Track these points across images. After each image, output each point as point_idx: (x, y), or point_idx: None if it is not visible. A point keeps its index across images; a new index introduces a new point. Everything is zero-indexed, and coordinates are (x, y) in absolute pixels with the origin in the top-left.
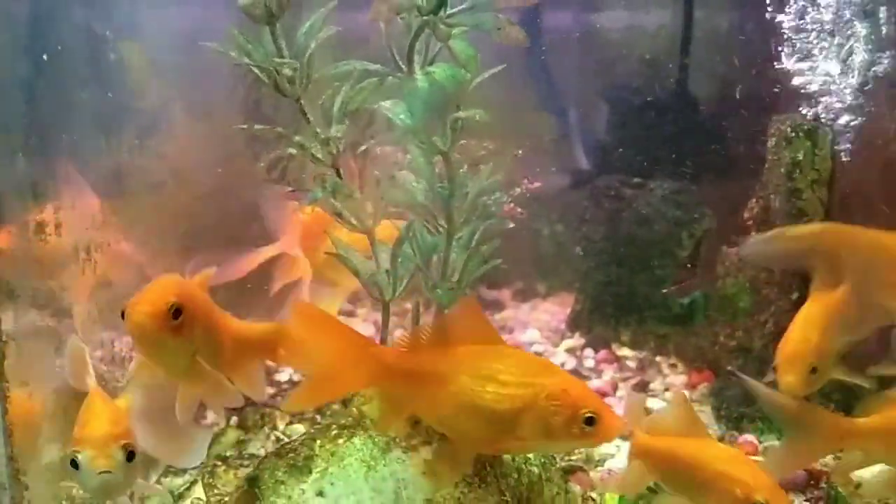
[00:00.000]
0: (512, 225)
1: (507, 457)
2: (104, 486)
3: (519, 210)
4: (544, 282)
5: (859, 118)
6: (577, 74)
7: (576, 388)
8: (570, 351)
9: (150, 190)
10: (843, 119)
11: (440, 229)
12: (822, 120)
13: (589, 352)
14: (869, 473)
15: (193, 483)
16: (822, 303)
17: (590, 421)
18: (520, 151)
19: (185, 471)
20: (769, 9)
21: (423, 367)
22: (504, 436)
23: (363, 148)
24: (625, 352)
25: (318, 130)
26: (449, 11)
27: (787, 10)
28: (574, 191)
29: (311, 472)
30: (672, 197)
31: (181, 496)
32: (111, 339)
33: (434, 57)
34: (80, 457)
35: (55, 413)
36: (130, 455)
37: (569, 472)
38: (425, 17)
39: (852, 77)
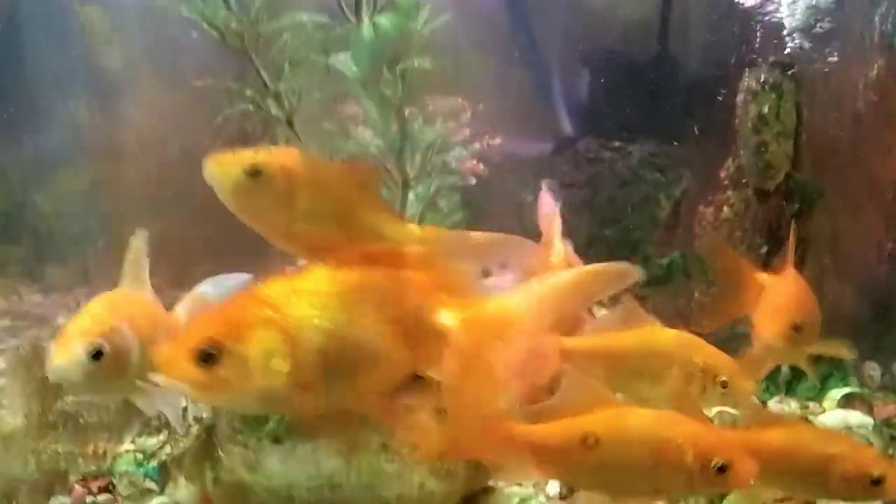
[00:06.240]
0: (473, 181)
1: None
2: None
3: (481, 166)
4: None
5: (827, 70)
6: (558, 37)
7: None
8: None
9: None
10: (810, 71)
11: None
12: (789, 72)
13: None
14: None
15: (166, 442)
16: None
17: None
18: (480, 106)
19: (159, 431)
20: None
21: None
22: None
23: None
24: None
25: (269, 84)
26: None
27: None
28: (556, 155)
29: (267, 420)
30: (650, 159)
31: (154, 455)
32: None
33: (382, 7)
34: None
35: None
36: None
37: None
38: None
39: (822, 29)
